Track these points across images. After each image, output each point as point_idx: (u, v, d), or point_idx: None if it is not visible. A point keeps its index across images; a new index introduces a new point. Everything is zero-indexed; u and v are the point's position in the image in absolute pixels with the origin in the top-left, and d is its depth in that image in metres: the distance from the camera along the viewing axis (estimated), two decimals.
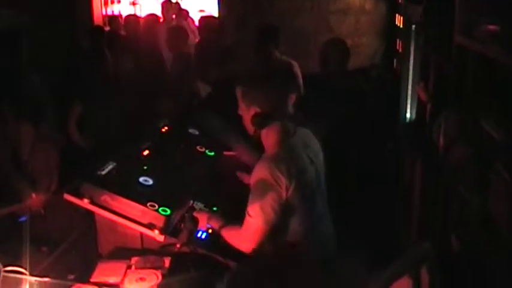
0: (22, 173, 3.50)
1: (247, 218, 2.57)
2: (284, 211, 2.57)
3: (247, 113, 2.67)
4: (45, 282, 2.13)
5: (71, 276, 2.44)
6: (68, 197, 2.65)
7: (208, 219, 2.81)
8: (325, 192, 2.82)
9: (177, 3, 8.86)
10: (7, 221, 2.94)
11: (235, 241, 2.65)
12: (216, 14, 7.53)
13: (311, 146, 2.78)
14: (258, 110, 2.63)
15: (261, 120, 2.64)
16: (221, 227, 2.74)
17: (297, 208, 2.60)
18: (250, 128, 2.72)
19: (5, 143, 3.49)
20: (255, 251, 2.56)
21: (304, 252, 2.18)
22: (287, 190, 2.54)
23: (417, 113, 5.13)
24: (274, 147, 2.65)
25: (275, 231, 2.57)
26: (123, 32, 6.73)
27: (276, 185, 2.52)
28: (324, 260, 2.19)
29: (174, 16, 8.01)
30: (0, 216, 2.93)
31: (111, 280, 2.46)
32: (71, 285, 2.36)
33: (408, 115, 5.44)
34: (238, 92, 2.70)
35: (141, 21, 6.88)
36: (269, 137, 2.67)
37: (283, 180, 2.53)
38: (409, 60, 5.43)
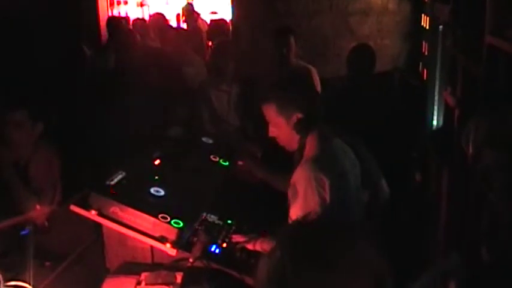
0: (25, 182, 3.53)
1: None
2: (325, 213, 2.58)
3: (287, 124, 2.72)
4: None
5: None
6: (74, 208, 2.66)
7: (260, 243, 2.79)
8: (363, 203, 2.84)
9: (190, 4, 8.93)
10: (9, 234, 2.95)
11: None
12: (229, 16, 7.56)
13: (348, 155, 2.82)
14: (300, 115, 2.69)
15: (306, 124, 2.70)
16: None
17: (337, 211, 2.60)
18: (292, 142, 2.76)
19: (6, 150, 3.52)
20: None
21: None
22: (330, 191, 2.57)
23: (444, 119, 5.11)
24: (314, 151, 2.69)
25: None
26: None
27: (318, 187, 2.56)
28: None
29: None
30: (2, 229, 2.95)
31: None
32: None
33: (435, 121, 5.42)
34: (272, 107, 2.74)
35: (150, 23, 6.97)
36: (309, 143, 2.72)
37: (326, 181, 2.57)
38: (435, 63, 5.41)
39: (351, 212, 2.70)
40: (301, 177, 2.62)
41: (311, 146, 2.72)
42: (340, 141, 2.84)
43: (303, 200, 2.59)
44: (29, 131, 3.51)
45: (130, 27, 7.12)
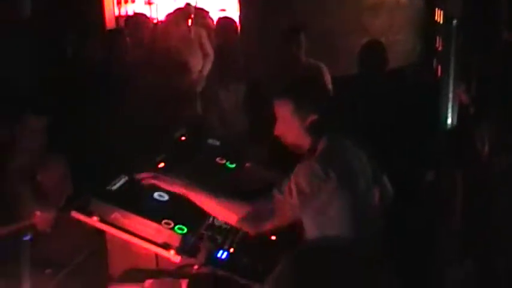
0: (31, 189, 3.51)
1: (274, 193, 2.58)
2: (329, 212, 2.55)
3: (300, 125, 2.66)
4: None
5: None
6: (75, 214, 2.64)
7: (171, 184, 2.72)
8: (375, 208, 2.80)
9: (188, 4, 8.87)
10: (10, 240, 2.92)
11: (236, 214, 2.62)
12: (237, 13, 7.53)
13: (359, 157, 2.76)
14: (315, 117, 2.64)
15: (320, 127, 2.64)
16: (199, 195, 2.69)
17: (343, 211, 2.57)
18: (303, 143, 2.69)
19: (15, 155, 3.50)
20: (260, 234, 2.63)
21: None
22: (336, 188, 2.53)
23: (459, 118, 5.05)
24: (323, 150, 2.64)
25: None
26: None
27: (322, 177, 2.51)
28: None
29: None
30: (3, 236, 2.92)
31: None
32: None
33: (449, 120, 5.35)
34: (288, 105, 2.67)
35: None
36: (320, 145, 2.67)
37: (332, 175, 2.52)
38: (449, 60, 5.35)
39: (361, 215, 2.65)
40: (304, 167, 2.57)
41: (321, 148, 2.67)
42: (350, 143, 2.78)
43: (299, 178, 2.55)
44: (42, 137, 3.50)
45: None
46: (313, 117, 2.64)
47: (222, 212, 2.67)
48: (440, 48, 5.96)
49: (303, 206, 2.56)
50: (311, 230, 2.66)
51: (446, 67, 5.41)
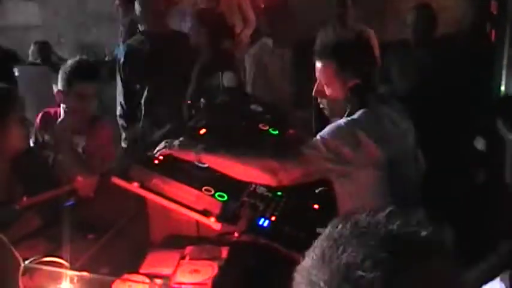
0: (74, 151, 3.55)
1: (301, 148, 2.53)
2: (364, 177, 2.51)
3: (341, 88, 2.61)
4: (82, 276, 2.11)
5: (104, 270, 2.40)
6: (116, 180, 2.64)
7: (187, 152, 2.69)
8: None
9: None
10: (54, 204, 2.95)
11: (261, 167, 2.57)
12: None
13: (399, 125, 2.69)
14: (358, 81, 2.57)
15: (362, 92, 2.58)
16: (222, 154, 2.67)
17: (375, 179, 2.52)
18: (340, 108, 2.64)
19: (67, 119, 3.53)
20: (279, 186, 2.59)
21: None
22: (367, 154, 2.48)
23: None
24: (359, 113, 2.59)
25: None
26: None
27: (353, 139, 2.47)
28: None
29: None
30: (47, 200, 2.95)
31: (163, 271, 2.42)
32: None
33: (503, 87, 5.19)
34: (331, 66, 2.61)
35: None
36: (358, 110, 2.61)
37: (364, 140, 2.46)
38: (505, 24, 5.16)
39: (395, 185, 2.58)
40: (335, 131, 2.52)
41: (358, 113, 2.61)
42: (390, 110, 2.70)
43: (330, 135, 2.51)
44: (91, 104, 3.52)
45: None
46: (355, 81, 2.58)
47: (246, 171, 2.63)
48: (494, 12, 5.75)
49: (330, 165, 2.51)
50: (342, 198, 2.62)
51: (502, 32, 5.21)
